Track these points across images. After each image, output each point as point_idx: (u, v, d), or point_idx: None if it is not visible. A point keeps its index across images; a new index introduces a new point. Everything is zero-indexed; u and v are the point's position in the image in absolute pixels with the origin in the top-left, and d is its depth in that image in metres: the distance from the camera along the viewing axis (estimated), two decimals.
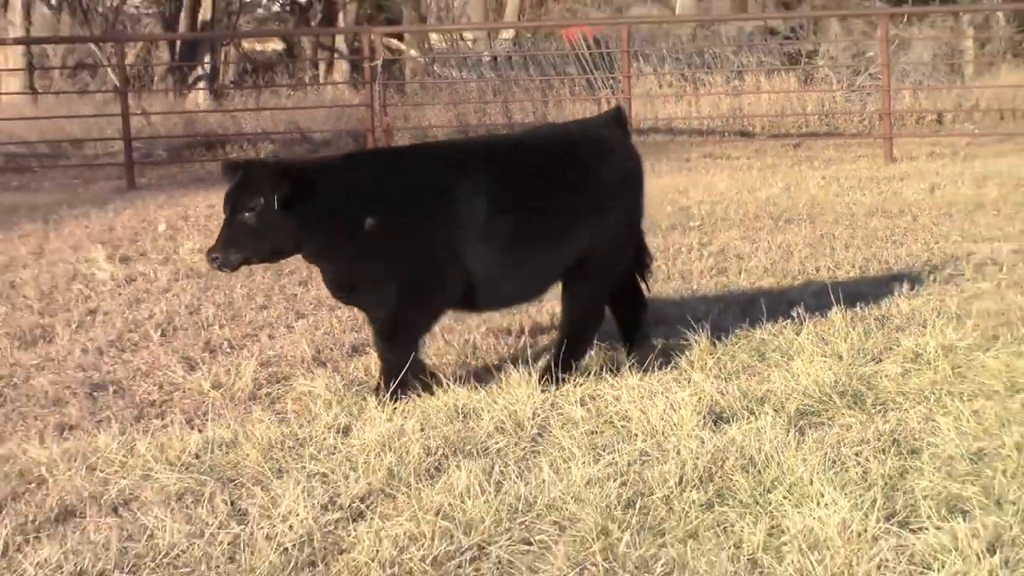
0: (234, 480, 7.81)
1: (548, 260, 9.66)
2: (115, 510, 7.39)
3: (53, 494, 7.61)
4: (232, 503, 7.43)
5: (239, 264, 9.13)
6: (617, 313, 10.36)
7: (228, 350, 11.00)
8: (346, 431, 8.56)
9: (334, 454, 8.13)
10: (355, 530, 6.97)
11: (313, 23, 48.29)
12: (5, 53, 35.70)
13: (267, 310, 12.71)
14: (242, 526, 7.07)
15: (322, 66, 46.16)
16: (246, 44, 49.53)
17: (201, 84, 38.06)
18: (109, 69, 35.41)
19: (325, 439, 8.40)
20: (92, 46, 38.85)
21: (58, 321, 12.30)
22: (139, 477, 7.86)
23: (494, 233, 9.36)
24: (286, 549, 6.74)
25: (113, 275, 14.50)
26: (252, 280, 14.18)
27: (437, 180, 9.34)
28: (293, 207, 8.91)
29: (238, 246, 8.97)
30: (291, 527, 6.98)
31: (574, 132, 10.52)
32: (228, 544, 6.86)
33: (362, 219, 9.09)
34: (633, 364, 9.74)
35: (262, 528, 7.01)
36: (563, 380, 9.40)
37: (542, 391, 9.12)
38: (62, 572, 6.56)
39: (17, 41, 34.51)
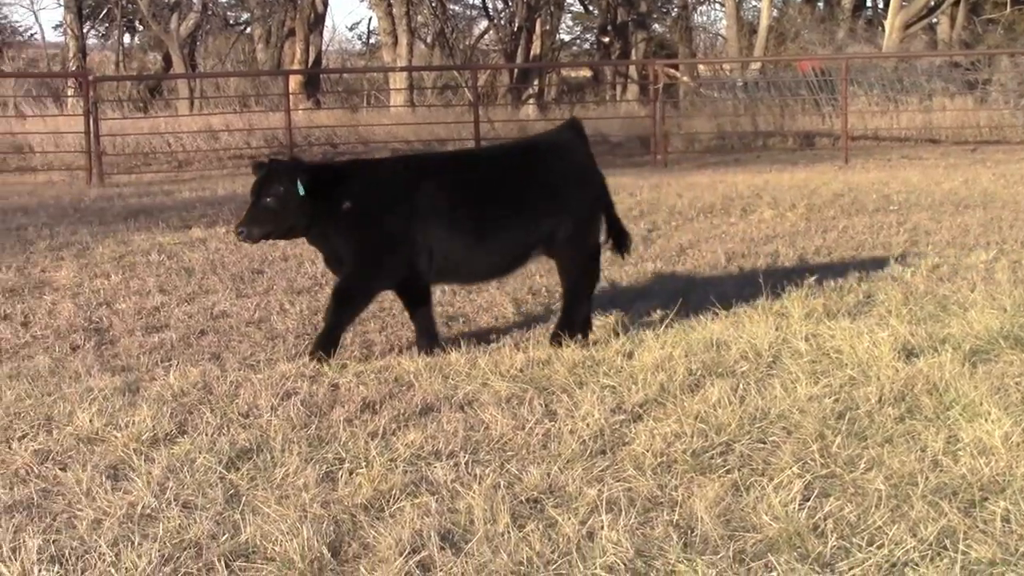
0: (547, 388, 7.79)
1: (509, 241, 9.03)
2: (461, 408, 7.43)
3: (418, 395, 7.67)
4: (545, 406, 7.42)
5: (260, 238, 8.77)
6: None
7: (544, 293, 11.00)
8: (630, 355, 8.49)
9: (620, 372, 8.07)
10: (635, 428, 6.91)
11: (613, 57, 48.14)
12: (395, 78, 36.31)
13: None
14: (552, 422, 7.05)
15: (618, 88, 46.09)
16: (564, 71, 49.65)
17: (531, 100, 38.22)
18: (466, 89, 35.75)
19: (614, 360, 8.34)
20: (455, 72, 39.31)
21: None
22: (479, 384, 7.90)
23: (457, 221, 8.85)
24: (584, 440, 6.71)
25: None
26: None
27: (406, 182, 8.90)
28: (309, 196, 8.61)
29: (261, 223, 8.63)
30: (588, 424, 6.94)
31: (531, 141, 10.08)
32: (542, 435, 6.84)
33: (351, 209, 8.73)
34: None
35: (567, 424, 6.99)
36: (569, 336, 8.99)
37: (554, 347, 8.84)
38: (423, 451, 6.61)
39: (403, 69, 35.17)
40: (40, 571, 5.02)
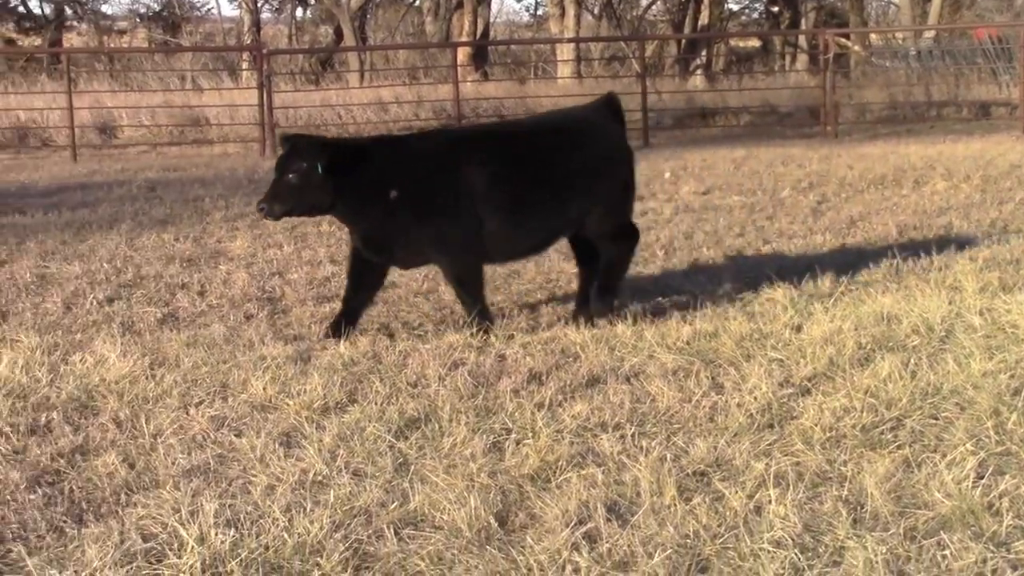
0: (714, 361, 7.74)
1: (546, 218, 8.88)
2: (627, 380, 7.41)
3: (584, 366, 7.68)
4: (712, 378, 7.36)
5: (281, 215, 8.65)
6: (584, 276, 9.36)
7: (711, 267, 10.90)
8: (798, 328, 8.38)
9: (788, 345, 7.97)
10: (803, 402, 6.82)
11: (782, 26, 47.49)
12: (562, 49, 36.29)
13: (742, 237, 12.58)
14: (719, 396, 7.00)
15: (788, 58, 45.46)
16: (733, 41, 49.12)
17: (698, 71, 37.92)
18: (633, 60, 35.57)
19: (782, 334, 8.24)
20: (622, 43, 39.15)
21: None
22: (645, 356, 7.87)
23: (498, 198, 8.67)
24: (751, 414, 6.64)
25: None
26: (732, 214, 14.07)
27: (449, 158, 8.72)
28: (331, 173, 8.41)
29: (282, 200, 8.45)
30: (755, 398, 6.87)
31: (563, 117, 9.83)
32: (708, 408, 6.80)
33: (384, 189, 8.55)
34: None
35: (734, 398, 6.93)
36: (607, 310, 8.90)
37: (594, 326, 8.70)
38: (589, 422, 6.61)
39: (570, 40, 35.13)
40: (217, 534, 5.14)
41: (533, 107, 28.87)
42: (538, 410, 6.77)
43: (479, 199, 8.60)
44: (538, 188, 8.79)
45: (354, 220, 8.75)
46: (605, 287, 9.07)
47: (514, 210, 8.73)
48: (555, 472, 5.90)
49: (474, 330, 8.50)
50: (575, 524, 5.26)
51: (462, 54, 33.94)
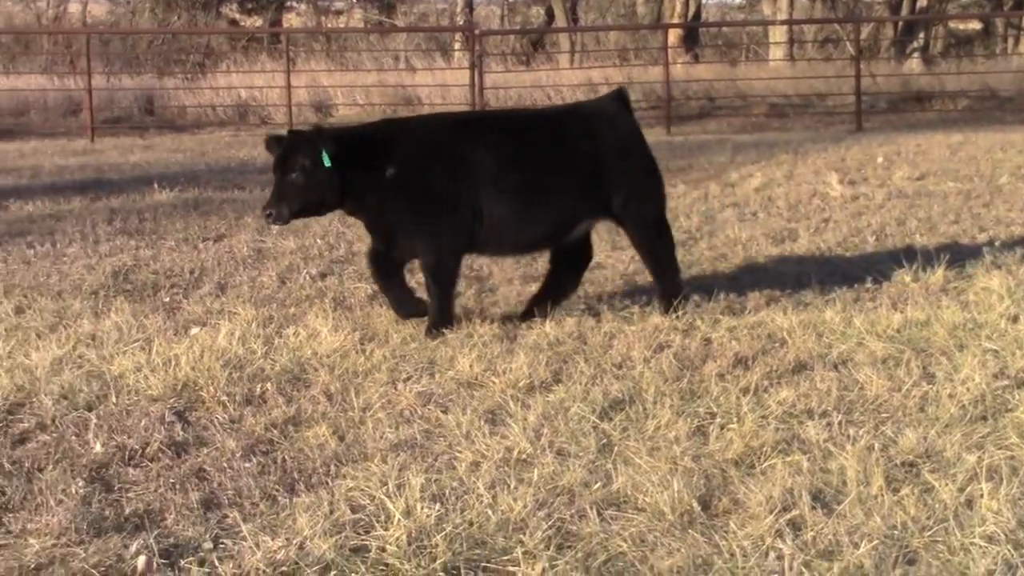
0: (925, 350, 7.56)
1: (552, 209, 8.49)
2: (835, 367, 7.30)
3: (791, 352, 7.58)
4: (923, 368, 7.20)
5: (290, 217, 8.26)
6: (552, 271, 8.99)
7: (924, 254, 10.65)
8: (1015, 319, 8.14)
9: (1004, 336, 7.75)
10: (1018, 395, 6.62)
11: (1005, 8, 46.02)
12: (774, 31, 35.87)
13: (956, 224, 12.26)
14: (930, 385, 6.84)
15: (1011, 40, 44.06)
16: (952, 23, 47.83)
17: (915, 54, 37.01)
18: (847, 42, 34.94)
19: (998, 324, 8.02)
20: (836, 25, 38.48)
21: (800, 226, 12.27)
22: (854, 344, 7.73)
23: (502, 186, 8.34)
24: (963, 405, 6.48)
25: (842, 194, 14.36)
26: (946, 200, 13.72)
27: (453, 142, 8.44)
28: (338, 166, 8.07)
29: (290, 202, 8.09)
30: (968, 389, 6.70)
31: (574, 109, 9.57)
32: (919, 398, 6.65)
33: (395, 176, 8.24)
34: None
35: (945, 388, 6.77)
36: (675, 306, 8.57)
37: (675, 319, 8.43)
38: (795, 409, 6.53)
39: (783, 22, 34.70)
40: (422, 508, 5.22)
41: (744, 90, 28.59)
42: (743, 395, 6.72)
43: (483, 185, 8.32)
44: (547, 175, 8.51)
45: (363, 213, 8.51)
46: (664, 291, 8.74)
47: (524, 197, 8.43)
48: (759, 458, 5.85)
49: (427, 325, 8.24)
50: (779, 511, 5.20)
51: (673, 36, 33.69)
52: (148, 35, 35.60)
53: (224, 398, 6.85)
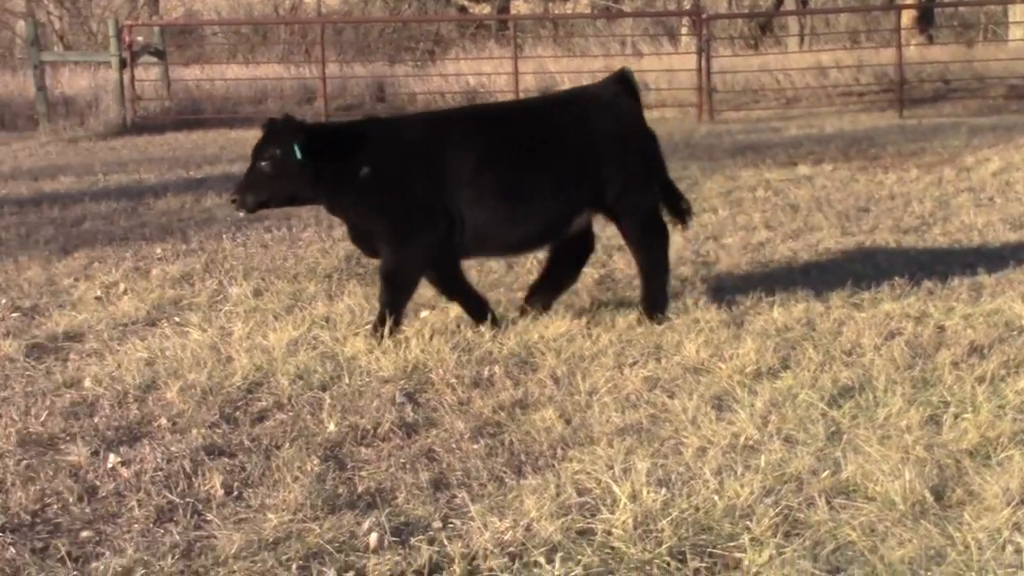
0: None
1: (544, 206, 8.01)
2: None
3: None
4: None
5: (256, 206, 7.95)
6: (550, 263, 8.54)
7: None
8: None
9: None
10: None
11: None
12: (1014, 10, 34.71)
13: None
14: None
15: None
16: None
17: None
18: None
19: None
20: None
21: None
22: None
23: (487, 185, 7.90)
24: None
25: None
26: None
27: (430, 142, 8.02)
28: (311, 160, 7.76)
29: (256, 190, 7.83)
30: None
31: (567, 95, 9.02)
32: None
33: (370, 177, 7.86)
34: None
35: None
36: (660, 310, 8.12)
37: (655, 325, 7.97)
38: None
39: None
40: (648, 492, 5.22)
41: (982, 71, 27.72)
42: (979, 384, 6.54)
43: (463, 188, 7.91)
44: (534, 172, 8.08)
45: (339, 211, 8.25)
46: (649, 292, 8.28)
47: (509, 197, 8.01)
48: (996, 448, 5.69)
49: (370, 329, 7.91)
50: (1017, 503, 5.06)
51: (907, 17, 32.85)
52: (380, 24, 36.34)
53: (453, 380, 6.97)
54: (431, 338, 7.64)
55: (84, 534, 5.14)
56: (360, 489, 5.53)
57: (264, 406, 6.68)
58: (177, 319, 8.54)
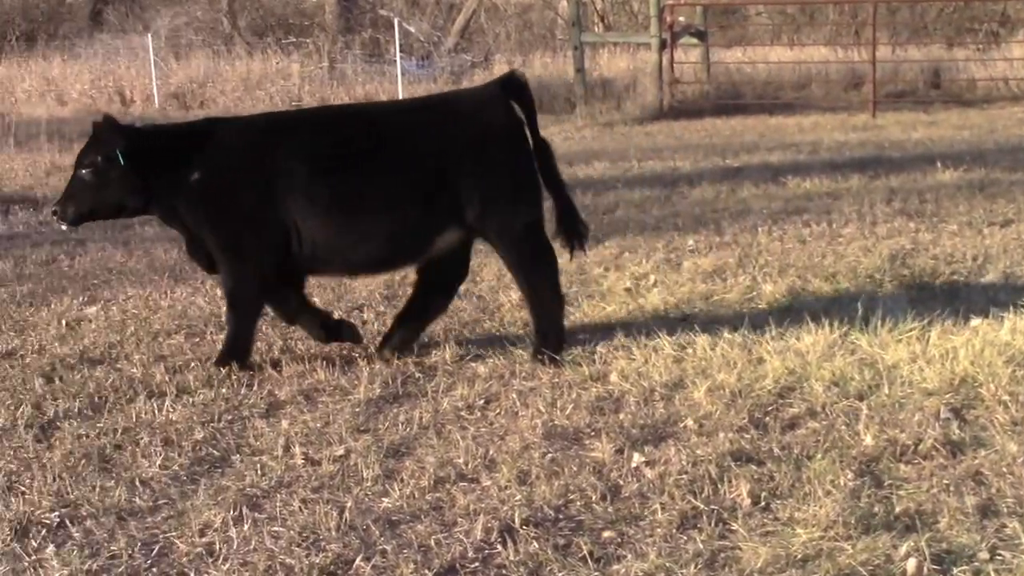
0: None
1: (391, 222, 7.42)
2: None
3: None
4: None
5: (78, 219, 7.47)
6: (416, 294, 7.96)
7: None
8: None
9: None
10: None
11: None
12: None
13: None
14: None
15: None
16: None
17: None
18: None
19: None
20: None
21: None
22: None
23: (318, 196, 7.35)
24: None
25: None
26: None
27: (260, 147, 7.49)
28: (138, 166, 7.27)
29: (76, 201, 7.35)
30: None
31: (430, 99, 8.43)
32: None
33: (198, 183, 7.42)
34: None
35: None
36: (557, 347, 7.59)
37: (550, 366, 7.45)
38: None
39: None
40: None
41: None
42: None
43: (296, 197, 7.39)
44: (375, 181, 7.48)
45: (176, 223, 7.75)
46: (540, 326, 7.68)
47: (347, 210, 7.46)
48: None
49: (215, 359, 7.61)
50: None
51: None
52: (939, 2, 35.35)
53: (1006, 397, 6.68)
54: (982, 350, 7.34)
55: (606, 534, 5.28)
56: (898, 509, 5.39)
57: (796, 412, 6.64)
58: (707, 315, 8.64)
